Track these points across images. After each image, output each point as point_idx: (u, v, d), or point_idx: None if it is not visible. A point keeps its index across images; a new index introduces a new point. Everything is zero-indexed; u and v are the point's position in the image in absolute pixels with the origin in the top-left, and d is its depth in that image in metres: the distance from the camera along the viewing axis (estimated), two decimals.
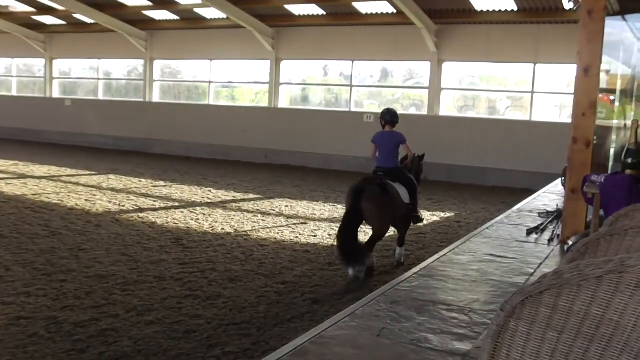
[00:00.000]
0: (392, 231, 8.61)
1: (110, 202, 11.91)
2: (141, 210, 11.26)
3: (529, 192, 11.67)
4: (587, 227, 5.82)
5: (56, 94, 25.31)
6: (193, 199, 12.66)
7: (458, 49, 17.54)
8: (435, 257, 5.72)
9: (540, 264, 5.37)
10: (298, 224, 10.58)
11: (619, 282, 1.35)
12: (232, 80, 21.92)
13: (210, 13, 19.84)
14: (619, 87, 7.67)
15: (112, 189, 13.61)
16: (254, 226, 10.20)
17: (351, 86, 19.40)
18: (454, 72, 18.08)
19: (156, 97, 22.99)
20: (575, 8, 7.49)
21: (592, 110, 5.54)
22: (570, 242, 5.67)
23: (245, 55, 20.72)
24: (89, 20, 21.85)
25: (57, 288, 6.50)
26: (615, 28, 6.51)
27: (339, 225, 7.30)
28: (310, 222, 10.78)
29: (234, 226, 10.09)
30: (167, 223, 10.13)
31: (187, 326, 5.57)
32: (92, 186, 13.96)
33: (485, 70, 18.14)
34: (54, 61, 25.15)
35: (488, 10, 16.43)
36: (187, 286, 6.76)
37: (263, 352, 4.96)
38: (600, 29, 5.37)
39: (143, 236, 9.10)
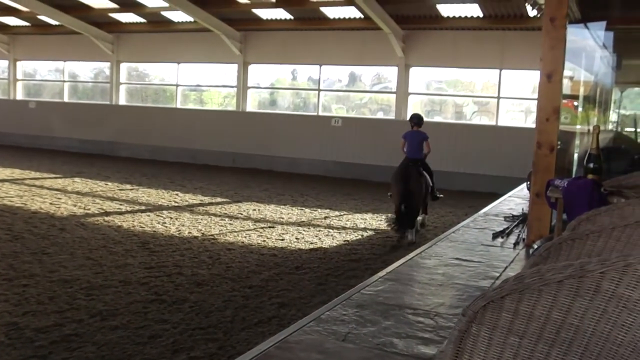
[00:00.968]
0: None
1: (75, 205, 11.75)
2: (107, 213, 11.14)
3: (495, 196, 11.79)
4: (551, 231, 5.88)
5: (20, 95, 24.90)
6: (160, 203, 12.60)
7: (425, 54, 17.66)
8: (402, 260, 5.73)
9: (506, 267, 5.41)
10: (265, 227, 10.56)
11: (579, 286, 1.36)
12: (200, 83, 21.86)
13: (178, 16, 19.70)
14: (582, 93, 7.79)
15: (78, 192, 13.43)
16: (221, 230, 10.17)
17: (319, 90, 19.41)
18: (421, 77, 18.18)
19: (123, 100, 22.75)
20: (539, 15, 7.60)
21: (555, 115, 5.61)
22: (535, 246, 5.72)
23: (213, 58, 20.61)
24: (53, 22, 21.53)
25: (18, 293, 6.37)
26: (577, 35, 6.61)
27: (395, 205, 9.84)
28: (278, 225, 10.77)
29: (201, 230, 10.03)
30: (133, 227, 10.04)
31: (153, 331, 5.51)
32: (57, 189, 13.76)
33: (452, 76, 18.29)
34: (18, 63, 24.72)
35: (454, 17, 16.59)
36: (152, 290, 6.70)
37: (229, 356, 4.93)
38: (562, 36, 5.45)
39: (108, 240, 8.99)
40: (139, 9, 19.61)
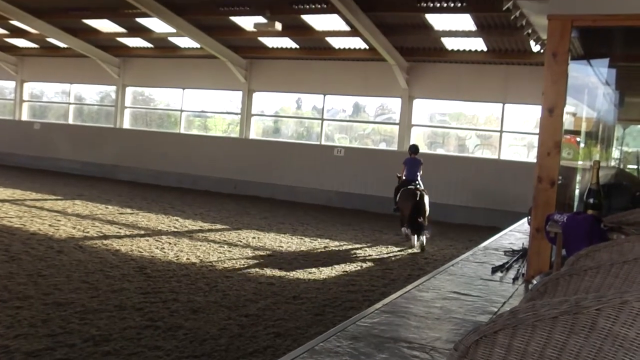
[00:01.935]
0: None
1: (74, 228, 11.69)
2: (105, 237, 11.10)
3: (495, 230, 11.67)
4: (551, 266, 5.82)
5: (25, 116, 25.03)
6: (159, 228, 12.57)
7: (429, 87, 17.72)
8: (399, 293, 5.66)
9: (505, 302, 5.33)
10: (264, 255, 10.53)
11: (574, 323, 1.32)
12: (205, 109, 21.98)
13: (184, 42, 19.85)
14: (584, 130, 7.78)
15: (77, 215, 13.39)
16: (220, 257, 10.11)
17: (322, 119, 19.51)
18: (425, 109, 18.29)
19: (127, 124, 22.86)
20: (542, 50, 7.63)
21: (556, 150, 5.58)
22: (535, 282, 5.65)
23: (218, 85, 20.73)
24: (61, 45, 21.75)
25: (11, 315, 6.27)
26: (580, 72, 6.63)
27: (405, 214, 12.34)
28: (277, 254, 10.75)
29: (199, 256, 9.99)
30: (131, 251, 10.00)
31: (146, 357, 5.42)
32: (57, 211, 13.72)
33: (455, 108, 18.35)
34: (25, 84, 24.90)
35: (458, 50, 16.72)
36: (147, 316, 6.62)
37: None
38: (564, 71, 5.45)
39: (106, 264, 8.93)
40: (146, 34, 19.81)
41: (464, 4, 14.07)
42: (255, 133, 20.61)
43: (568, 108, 5.86)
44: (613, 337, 1.30)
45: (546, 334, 1.33)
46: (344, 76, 18.69)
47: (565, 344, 1.33)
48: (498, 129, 17.21)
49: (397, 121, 18.33)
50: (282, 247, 11.47)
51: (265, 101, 20.63)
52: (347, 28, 16.40)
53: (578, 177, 7.34)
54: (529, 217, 7.40)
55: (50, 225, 11.80)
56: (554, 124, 5.54)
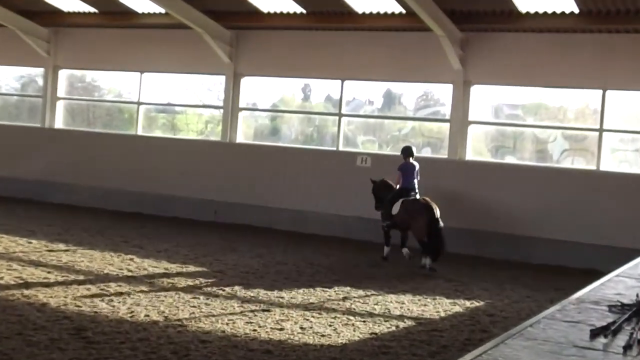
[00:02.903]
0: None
1: None
2: (27, 285, 11.03)
3: (594, 274, 11.49)
4: None
5: None
6: (106, 271, 12.55)
7: (493, 67, 17.61)
8: None
9: None
10: (257, 311, 10.45)
11: None
12: (172, 101, 21.97)
13: (143, 6, 19.86)
14: None
15: None
16: (193, 313, 10.06)
17: (340, 115, 19.40)
18: (487, 99, 18.19)
19: (60, 122, 22.80)
20: None
21: None
22: None
23: (192, 67, 20.78)
24: None
25: None
26: None
27: (428, 231, 14.52)
28: (275, 308, 10.67)
29: (163, 312, 9.94)
30: (64, 305, 9.94)
31: None
32: None
33: (532, 98, 18.20)
34: None
35: (537, 13, 16.38)
36: None
37: None
38: None
39: (27, 324, 8.85)
40: None
41: None
42: (244, 135, 20.56)
43: None
44: None
45: None
46: (370, 53, 18.62)
47: None
48: (596, 127, 17.00)
49: (448, 117, 18.32)
50: (282, 298, 11.40)
51: (259, 90, 20.61)
52: None
53: None
54: None
55: None
56: None
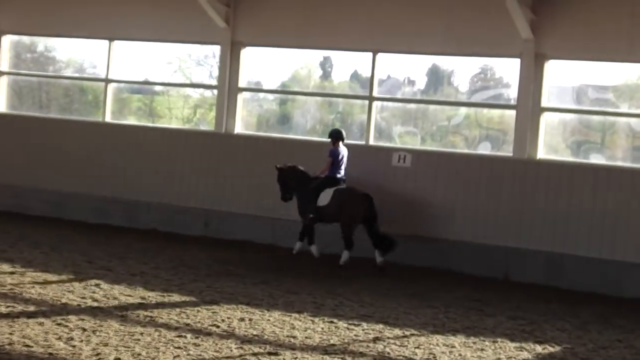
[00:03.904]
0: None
1: None
2: None
3: None
4: None
5: None
6: (64, 300, 12.44)
7: (574, 36, 17.47)
8: None
9: None
10: (262, 354, 10.34)
11: None
12: (150, 79, 22.00)
13: None
14: None
15: None
16: (178, 356, 9.93)
17: (371, 98, 19.30)
18: (566, 77, 18.02)
19: (2, 105, 22.82)
20: None
21: None
22: None
23: (177, 34, 20.83)
24: None
25: None
26: None
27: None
28: (286, 351, 10.53)
29: (139, 354, 9.82)
30: (10, 344, 9.74)
31: None
32: None
33: (628, 77, 18.02)
34: None
35: None
36: None
37: None
38: None
39: None
40: None
41: None
42: (244, 124, 20.59)
43: None
44: None
45: None
46: (411, 17, 18.66)
47: None
48: None
49: (513, 102, 18.29)
50: (294, 337, 11.34)
51: (265, 64, 20.59)
52: None
53: None
54: None
55: None
56: None
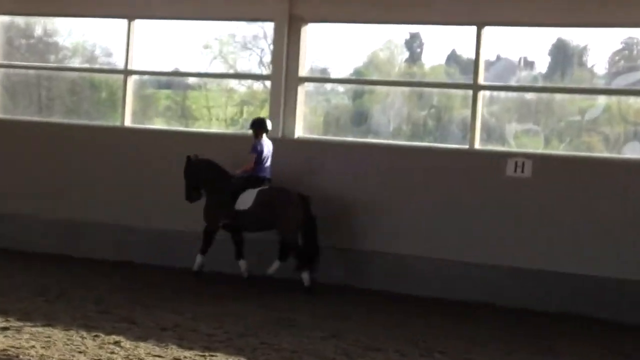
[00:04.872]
0: None
1: None
2: None
3: None
4: None
5: None
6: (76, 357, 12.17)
7: None
8: None
9: None
10: None
11: None
12: (182, 69, 22.17)
13: None
14: None
15: None
16: None
17: (476, 87, 19.14)
18: None
19: None
20: None
21: None
22: None
23: (216, 10, 20.86)
24: None
25: None
26: None
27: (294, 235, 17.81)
28: None
29: None
30: None
31: None
32: None
33: None
34: None
35: None
36: None
37: None
38: None
39: None
40: None
41: None
42: (306, 124, 20.48)
43: None
44: None
45: None
46: None
47: None
48: None
49: None
50: None
51: (332, 46, 20.54)
52: None
53: None
54: None
55: None
56: None
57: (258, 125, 18.96)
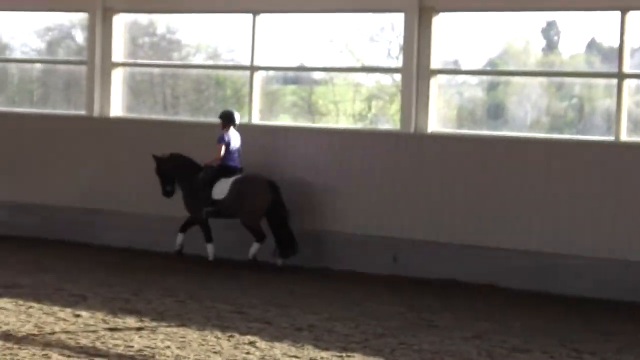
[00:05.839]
0: None
1: None
2: None
3: None
4: None
5: None
6: None
7: None
8: None
9: None
10: None
11: None
12: (308, 64, 22.43)
13: None
14: None
15: None
16: None
17: (621, 76, 18.81)
18: None
19: (119, 106, 22.93)
20: None
21: None
22: None
23: (344, 4, 20.78)
24: None
25: None
26: None
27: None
28: None
29: None
30: None
31: None
32: None
33: None
34: None
35: None
36: None
37: None
38: None
39: None
40: None
41: None
42: (440, 118, 20.27)
43: None
44: None
45: None
46: None
47: None
48: None
49: None
50: None
51: (465, 36, 20.42)
52: None
53: None
54: None
55: None
56: None
57: (226, 118, 20.23)
